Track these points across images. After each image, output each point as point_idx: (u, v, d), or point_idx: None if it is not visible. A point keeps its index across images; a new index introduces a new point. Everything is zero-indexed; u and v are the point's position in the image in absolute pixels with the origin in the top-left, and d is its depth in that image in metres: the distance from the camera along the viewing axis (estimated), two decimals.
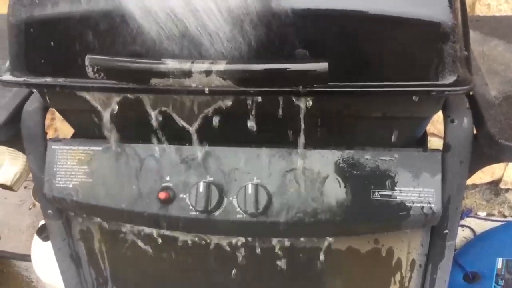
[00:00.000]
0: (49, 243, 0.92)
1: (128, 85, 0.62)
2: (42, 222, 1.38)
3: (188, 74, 0.57)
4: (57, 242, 0.89)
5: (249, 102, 0.63)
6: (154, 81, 0.58)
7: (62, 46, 0.65)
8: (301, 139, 0.69)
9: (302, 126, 0.68)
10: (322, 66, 0.56)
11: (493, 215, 1.56)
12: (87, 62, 0.60)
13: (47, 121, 1.58)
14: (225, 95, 0.62)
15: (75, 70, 0.64)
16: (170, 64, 0.57)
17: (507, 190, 1.52)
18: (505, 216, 1.56)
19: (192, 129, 0.70)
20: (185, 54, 0.61)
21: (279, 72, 0.56)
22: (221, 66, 0.56)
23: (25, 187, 1.80)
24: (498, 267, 1.30)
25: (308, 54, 0.61)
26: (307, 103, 0.63)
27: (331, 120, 0.70)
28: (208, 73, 0.56)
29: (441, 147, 0.72)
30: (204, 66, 0.57)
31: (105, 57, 0.59)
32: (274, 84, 0.58)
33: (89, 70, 0.60)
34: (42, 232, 1.34)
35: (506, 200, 1.54)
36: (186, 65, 0.57)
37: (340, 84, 0.60)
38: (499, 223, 1.50)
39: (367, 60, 0.62)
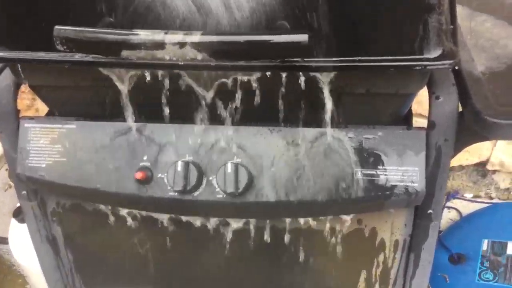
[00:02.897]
0: (25, 225, 0.89)
1: (99, 58, 0.59)
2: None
3: (160, 45, 0.54)
4: (33, 224, 0.86)
5: (230, 78, 0.60)
6: (125, 53, 0.56)
7: (33, 17, 0.62)
8: (281, 116, 0.66)
9: (281, 102, 0.66)
10: (302, 37, 0.53)
11: (479, 196, 1.55)
12: (54, 33, 0.57)
13: (27, 101, 1.55)
14: (200, 69, 0.59)
15: (47, 43, 0.60)
16: (142, 34, 0.54)
17: (494, 171, 1.51)
18: (491, 198, 1.56)
19: (166, 105, 0.67)
20: (159, 26, 0.58)
21: (258, 43, 0.53)
22: (196, 37, 0.54)
23: (6, 169, 1.76)
24: (483, 249, 1.29)
25: (289, 27, 0.58)
26: (286, 78, 0.61)
27: (312, 97, 0.68)
28: (182, 44, 0.54)
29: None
30: (178, 37, 0.54)
31: (73, 28, 0.56)
32: (252, 57, 0.56)
33: (57, 42, 0.57)
34: (18, 214, 1.31)
35: (493, 182, 1.53)
36: (158, 36, 0.54)
37: (320, 59, 0.58)
38: (486, 205, 1.49)
39: (349, 32, 0.59)
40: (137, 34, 0.54)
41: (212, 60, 0.54)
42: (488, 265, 1.26)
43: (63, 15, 0.62)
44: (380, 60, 0.59)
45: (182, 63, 0.55)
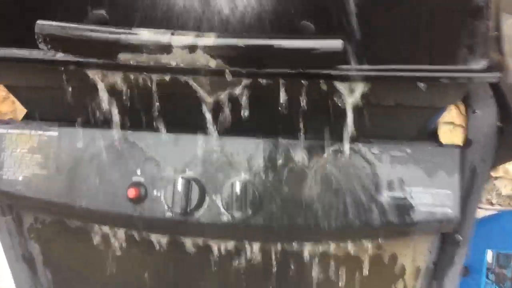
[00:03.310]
0: None
1: (90, 59, 0.50)
2: None
3: (166, 48, 0.45)
4: (7, 240, 0.76)
5: (241, 85, 0.51)
6: (122, 56, 0.46)
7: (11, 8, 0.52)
8: (296, 128, 0.58)
9: (297, 113, 0.57)
10: (336, 44, 0.44)
11: (480, 202, 1.50)
12: (37, 30, 0.47)
13: (2, 93, 1.42)
14: (211, 75, 0.50)
15: (26, 39, 0.51)
16: (144, 34, 0.45)
17: (496, 177, 1.46)
18: (492, 204, 1.50)
19: (163, 112, 0.58)
20: (163, 25, 0.49)
21: (286, 50, 0.44)
22: (210, 40, 0.44)
23: None
24: (488, 261, 1.23)
25: (314, 28, 0.50)
26: (307, 87, 0.52)
27: (332, 107, 0.59)
28: (192, 48, 0.44)
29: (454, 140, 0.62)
30: (188, 39, 0.44)
31: (59, 24, 0.46)
32: (276, 64, 0.47)
33: (39, 40, 0.47)
34: None
35: (494, 188, 1.48)
36: (164, 37, 0.45)
37: (353, 67, 0.49)
38: (487, 212, 1.43)
39: (385, 37, 0.51)
40: (137, 34, 0.45)
41: (227, 67, 0.45)
42: (493, 279, 1.20)
43: (46, 7, 0.52)
44: (419, 70, 0.51)
45: (190, 69, 0.45)
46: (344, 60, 0.46)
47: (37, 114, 0.68)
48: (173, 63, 0.45)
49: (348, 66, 0.47)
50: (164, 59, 0.45)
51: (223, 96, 0.52)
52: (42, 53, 0.50)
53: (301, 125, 0.57)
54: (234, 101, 0.54)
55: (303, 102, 0.56)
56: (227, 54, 0.44)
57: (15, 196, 0.66)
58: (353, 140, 0.61)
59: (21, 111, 0.75)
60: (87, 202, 0.64)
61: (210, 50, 0.44)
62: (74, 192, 0.64)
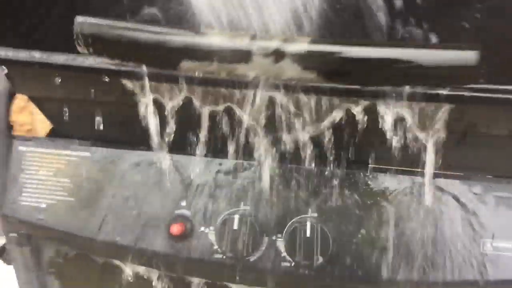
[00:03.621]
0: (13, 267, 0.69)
1: (139, 69, 0.39)
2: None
3: (245, 56, 0.34)
4: (22, 273, 0.65)
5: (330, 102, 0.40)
6: (185, 65, 0.36)
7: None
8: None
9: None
10: (471, 55, 0.33)
11: None
12: (76, 29, 0.36)
13: (21, 102, 1.33)
14: (301, 93, 0.38)
15: (55, 40, 0.41)
16: (216, 38, 0.34)
17: None
18: None
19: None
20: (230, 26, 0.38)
21: (408, 62, 0.33)
22: (302, 45, 0.34)
23: None
24: None
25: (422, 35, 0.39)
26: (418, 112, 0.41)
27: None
28: (279, 56, 0.34)
29: None
30: (273, 44, 0.34)
31: (106, 22, 0.36)
32: (387, 81, 0.36)
33: (79, 39, 0.37)
34: (3, 253, 1.07)
35: None
36: (242, 42, 0.34)
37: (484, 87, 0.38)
38: None
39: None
40: (207, 36, 0.34)
41: (322, 81, 0.35)
42: None
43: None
44: None
45: (277, 83, 0.35)
46: (475, 76, 0.35)
47: (64, 129, 0.57)
48: (251, 75, 0.35)
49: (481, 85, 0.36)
50: (240, 69, 0.34)
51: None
52: (81, 59, 0.40)
53: (394, 156, 0.46)
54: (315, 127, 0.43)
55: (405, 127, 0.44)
56: (325, 63, 0.33)
57: (36, 226, 0.56)
58: (448, 176, 0.50)
59: (42, 122, 0.65)
60: (120, 237, 0.54)
61: (303, 59, 0.33)
62: (106, 225, 0.54)
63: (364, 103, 0.38)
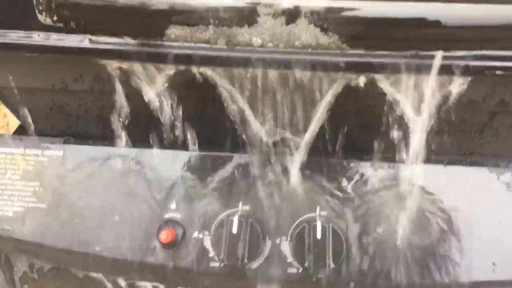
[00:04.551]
0: None
1: (121, 42, 0.32)
2: None
3: (248, 16, 0.27)
4: None
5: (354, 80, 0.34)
6: (173, 31, 0.29)
7: None
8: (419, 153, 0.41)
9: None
10: None
11: None
12: None
13: None
14: (319, 64, 0.32)
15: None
16: None
17: None
18: None
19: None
20: None
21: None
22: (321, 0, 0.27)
23: None
24: None
25: None
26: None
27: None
28: (291, 15, 0.27)
29: None
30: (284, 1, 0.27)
31: None
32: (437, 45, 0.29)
33: (40, 4, 0.30)
34: None
35: None
36: None
37: None
38: None
39: None
40: None
41: (347, 48, 0.28)
42: None
43: None
44: None
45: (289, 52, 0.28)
46: None
47: (34, 127, 0.50)
48: (257, 41, 0.28)
49: None
50: (244, 34, 0.28)
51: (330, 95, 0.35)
52: (42, 35, 0.33)
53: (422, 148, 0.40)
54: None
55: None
56: (351, 23, 0.27)
57: (3, 239, 0.48)
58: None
59: (15, 125, 0.57)
60: (101, 247, 0.47)
61: (320, 18, 0.27)
62: (84, 233, 0.47)
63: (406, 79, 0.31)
